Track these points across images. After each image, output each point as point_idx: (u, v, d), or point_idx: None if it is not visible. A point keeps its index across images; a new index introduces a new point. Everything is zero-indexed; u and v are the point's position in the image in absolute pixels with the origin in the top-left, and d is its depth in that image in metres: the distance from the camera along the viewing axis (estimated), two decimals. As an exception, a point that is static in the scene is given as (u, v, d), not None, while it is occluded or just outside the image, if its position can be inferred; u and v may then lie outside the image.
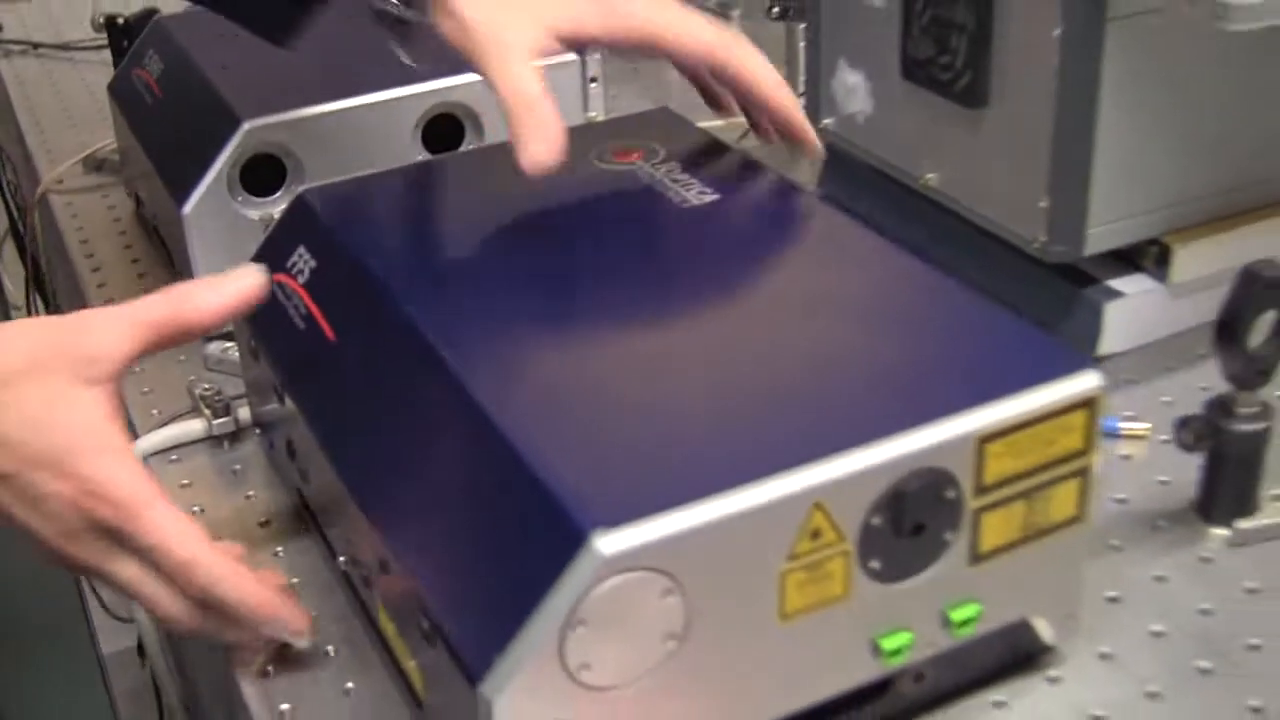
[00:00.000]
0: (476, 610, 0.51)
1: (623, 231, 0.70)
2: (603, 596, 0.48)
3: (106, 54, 1.38)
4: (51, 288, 1.66)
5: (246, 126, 0.87)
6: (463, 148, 0.93)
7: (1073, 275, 0.86)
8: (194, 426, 0.81)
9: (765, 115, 0.78)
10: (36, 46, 1.51)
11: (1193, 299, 0.85)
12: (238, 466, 0.80)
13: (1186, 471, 0.73)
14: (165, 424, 0.82)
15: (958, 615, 0.57)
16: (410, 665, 0.58)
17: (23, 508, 0.58)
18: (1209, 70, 0.81)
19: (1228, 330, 0.67)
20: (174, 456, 0.81)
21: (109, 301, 0.99)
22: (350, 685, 0.64)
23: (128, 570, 0.59)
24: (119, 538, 0.58)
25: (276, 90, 0.90)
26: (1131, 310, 0.85)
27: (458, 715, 0.52)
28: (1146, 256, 0.85)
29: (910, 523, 0.54)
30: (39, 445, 0.57)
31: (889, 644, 0.56)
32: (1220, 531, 0.71)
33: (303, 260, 0.70)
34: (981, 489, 0.55)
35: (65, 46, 1.50)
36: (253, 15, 0.84)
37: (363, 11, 0.81)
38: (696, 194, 0.72)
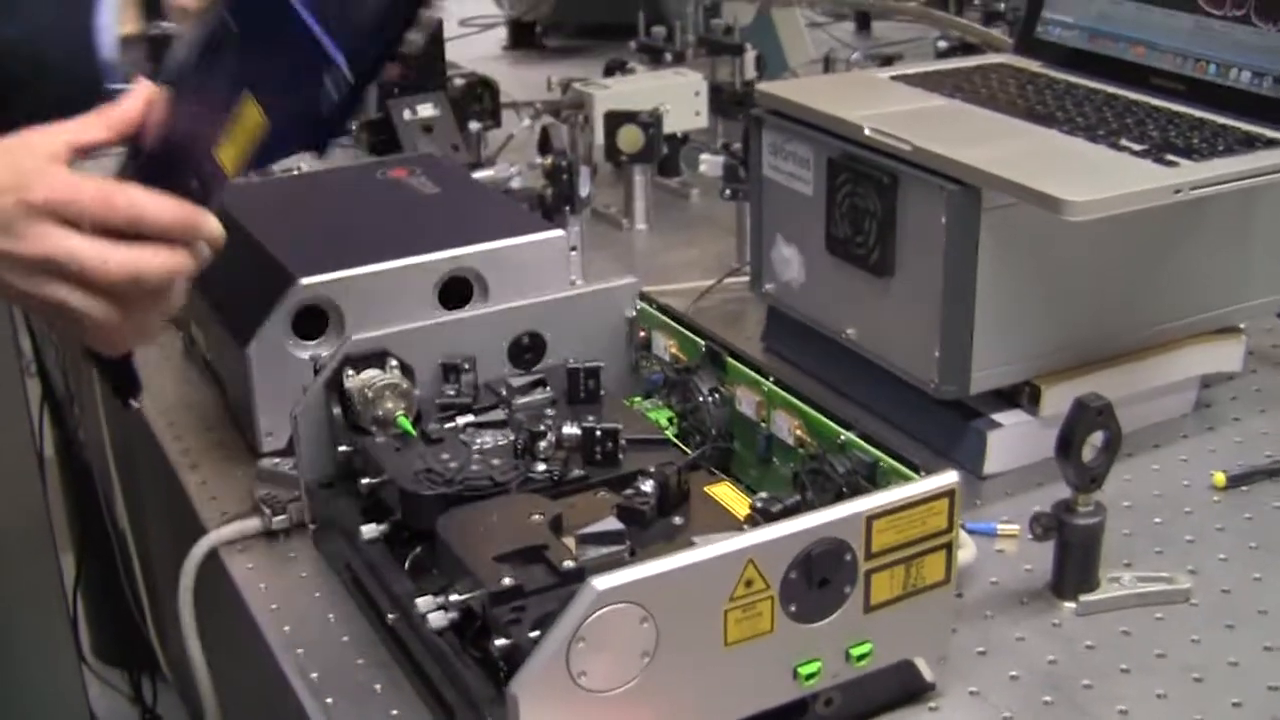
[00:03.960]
0: None
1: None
2: (598, 620, 0.68)
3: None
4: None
5: (302, 283, 1.07)
6: (469, 305, 1.14)
7: (962, 410, 1.07)
8: (255, 523, 1.01)
9: None
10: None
11: (1058, 430, 1.06)
12: (293, 554, 0.99)
13: (1046, 562, 0.93)
14: (232, 521, 1.01)
15: (856, 651, 0.77)
16: None
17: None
18: (1066, 248, 1.03)
19: (1066, 446, 0.88)
20: (240, 547, 1.00)
21: (172, 427, 1.18)
22: (395, 712, 0.83)
23: (60, 291, 0.77)
24: (52, 266, 0.76)
25: (321, 254, 1.11)
26: (1009, 438, 1.06)
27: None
28: (1021, 395, 1.07)
29: (817, 577, 0.74)
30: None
31: (805, 670, 0.76)
32: (1069, 604, 0.91)
33: None
34: (870, 555, 0.75)
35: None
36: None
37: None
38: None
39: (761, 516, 0.80)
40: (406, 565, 0.88)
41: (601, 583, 0.68)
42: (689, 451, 0.93)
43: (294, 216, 1.25)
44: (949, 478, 0.77)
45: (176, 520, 1.13)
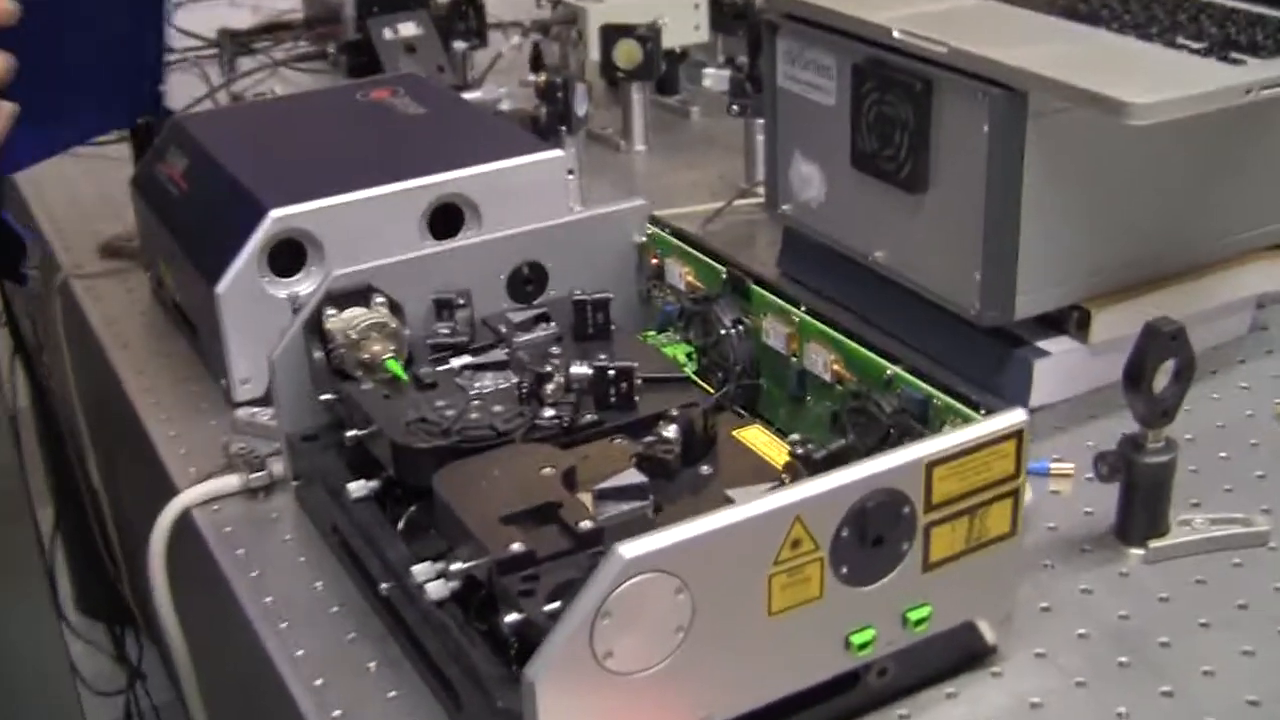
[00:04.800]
0: None
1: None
2: (625, 592, 0.59)
3: (105, 150, 1.48)
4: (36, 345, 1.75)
5: (273, 215, 0.97)
6: (461, 234, 1.04)
7: (1005, 338, 0.98)
8: (231, 481, 0.91)
9: None
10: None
11: (1110, 357, 0.96)
12: (274, 514, 0.90)
13: (1106, 504, 0.84)
14: (205, 479, 0.92)
15: (913, 615, 0.68)
16: None
17: None
18: (1119, 158, 0.93)
19: (1134, 377, 0.79)
20: (215, 507, 0.91)
21: (140, 376, 1.09)
22: (392, 694, 0.74)
23: None
24: None
25: (297, 183, 1.01)
26: (1057, 367, 0.97)
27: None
28: (1069, 320, 0.97)
29: (872, 534, 0.65)
30: None
31: (858, 639, 0.67)
32: (1136, 551, 0.82)
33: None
34: (930, 506, 0.66)
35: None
36: None
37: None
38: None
39: (804, 465, 0.71)
40: (400, 526, 0.78)
41: (629, 550, 0.59)
42: (712, 391, 0.84)
43: (266, 143, 1.15)
44: (1016, 416, 0.68)
45: (148, 478, 1.03)
